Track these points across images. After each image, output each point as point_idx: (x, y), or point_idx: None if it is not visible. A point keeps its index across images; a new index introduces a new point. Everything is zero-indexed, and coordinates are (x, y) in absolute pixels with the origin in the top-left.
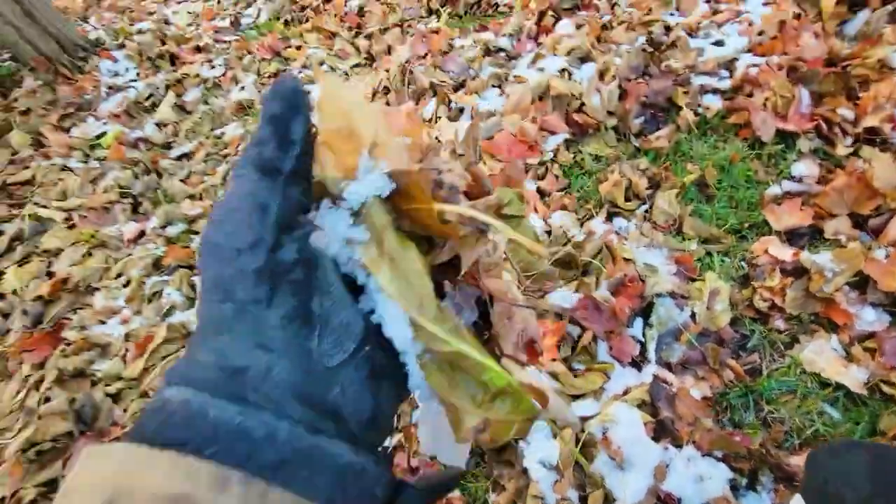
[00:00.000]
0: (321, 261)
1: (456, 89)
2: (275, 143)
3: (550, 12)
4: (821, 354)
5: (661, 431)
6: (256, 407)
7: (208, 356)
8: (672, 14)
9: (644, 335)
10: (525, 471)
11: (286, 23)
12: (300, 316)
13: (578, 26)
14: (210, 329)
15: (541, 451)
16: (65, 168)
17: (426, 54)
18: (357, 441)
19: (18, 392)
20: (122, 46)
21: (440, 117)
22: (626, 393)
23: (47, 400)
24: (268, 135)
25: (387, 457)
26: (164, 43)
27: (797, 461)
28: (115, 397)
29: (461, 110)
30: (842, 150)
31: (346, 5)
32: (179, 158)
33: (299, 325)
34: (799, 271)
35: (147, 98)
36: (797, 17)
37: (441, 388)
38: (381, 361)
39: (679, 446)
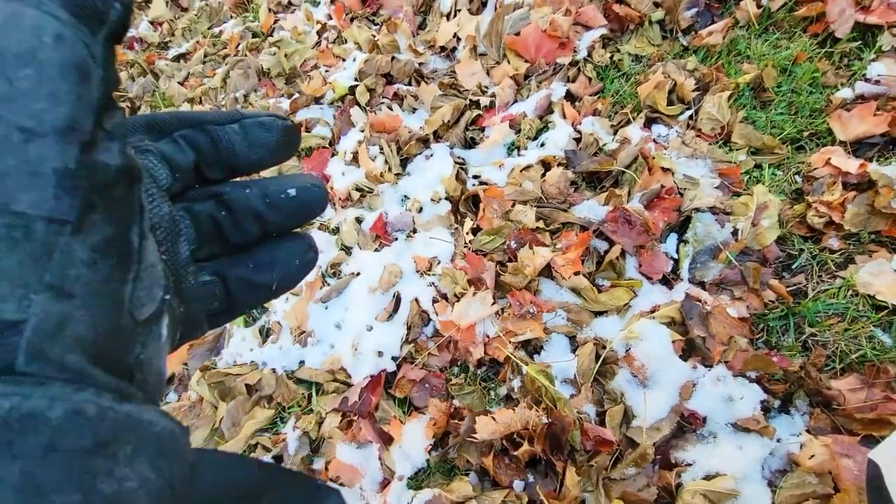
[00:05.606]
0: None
1: None
2: None
3: None
4: (879, 276)
5: (691, 350)
6: (35, 380)
7: None
8: None
9: (678, 252)
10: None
11: None
12: (117, 250)
13: None
14: None
15: (557, 364)
16: None
17: None
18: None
19: None
20: None
21: (460, 10)
22: (653, 311)
23: None
24: None
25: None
26: None
27: (839, 385)
28: None
29: (484, 3)
30: None
31: None
32: (177, 59)
33: (115, 262)
34: (864, 185)
35: None
36: None
37: None
38: (177, 310)
39: (709, 366)
